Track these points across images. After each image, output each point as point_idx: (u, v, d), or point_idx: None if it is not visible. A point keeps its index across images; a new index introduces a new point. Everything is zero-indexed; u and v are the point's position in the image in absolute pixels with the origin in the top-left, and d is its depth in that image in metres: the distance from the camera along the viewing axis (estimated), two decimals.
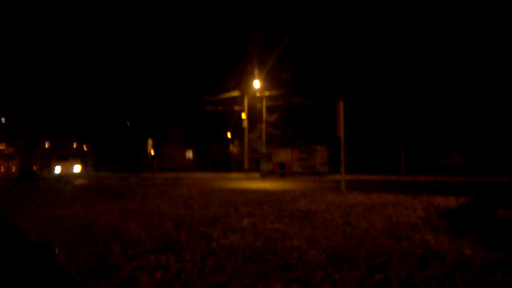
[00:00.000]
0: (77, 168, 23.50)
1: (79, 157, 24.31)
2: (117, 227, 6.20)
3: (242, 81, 32.00)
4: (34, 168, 23.18)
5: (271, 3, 33.15)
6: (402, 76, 27.20)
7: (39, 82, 25.14)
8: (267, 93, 31.42)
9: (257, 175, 26.25)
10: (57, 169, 22.82)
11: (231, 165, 34.29)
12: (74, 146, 24.33)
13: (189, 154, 43.27)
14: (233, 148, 35.05)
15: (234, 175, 28.66)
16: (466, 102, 25.35)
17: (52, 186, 16.34)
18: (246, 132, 30.65)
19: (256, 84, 30.29)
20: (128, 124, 35.22)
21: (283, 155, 25.09)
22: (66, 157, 23.27)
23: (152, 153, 19.04)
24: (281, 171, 24.73)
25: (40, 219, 6.96)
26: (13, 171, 23.62)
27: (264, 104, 31.59)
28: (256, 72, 31.28)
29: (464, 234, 5.15)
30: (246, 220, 6.77)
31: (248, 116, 31.00)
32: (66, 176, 21.73)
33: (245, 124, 30.60)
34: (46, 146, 24.85)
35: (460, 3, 26.78)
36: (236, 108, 32.93)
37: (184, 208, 8.32)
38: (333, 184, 17.07)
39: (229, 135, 37.88)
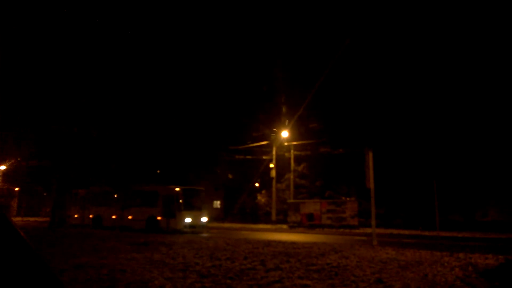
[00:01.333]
0: (204, 219, 19.26)
1: (204, 205, 20.05)
2: (143, 278, 6.16)
3: (270, 131, 32.41)
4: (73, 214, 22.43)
5: (300, 54, 34.40)
6: (434, 125, 26.77)
7: (73, 129, 24.98)
8: (295, 143, 31.55)
9: (285, 226, 25.72)
10: (187, 220, 18.03)
11: (259, 215, 33.81)
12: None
13: (217, 203, 43.18)
14: (261, 198, 34.73)
15: (262, 226, 28.19)
16: (503, 155, 24.39)
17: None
18: (274, 182, 30.46)
19: (284, 133, 30.55)
20: (158, 172, 36.00)
21: (312, 206, 24.61)
22: (194, 206, 18.83)
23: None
24: (310, 222, 24.14)
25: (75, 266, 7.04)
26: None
27: (292, 153, 31.58)
28: (284, 121, 31.71)
29: None
30: (273, 274, 6.57)
31: (276, 165, 30.95)
32: (196, 227, 18.51)
33: (273, 173, 30.48)
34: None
35: (487, 47, 26.71)
36: (264, 157, 33.07)
37: (210, 260, 8.20)
38: (363, 237, 16.45)
39: (257, 184, 37.77)
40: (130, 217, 19.68)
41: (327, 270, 7.00)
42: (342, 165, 30.05)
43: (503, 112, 25.16)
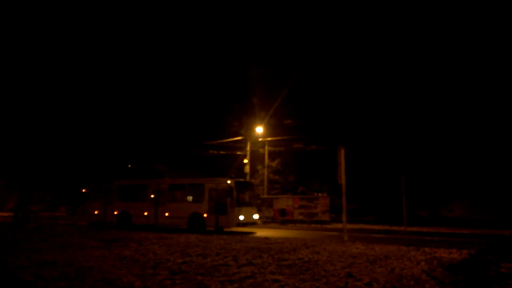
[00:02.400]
0: (256, 216, 17.32)
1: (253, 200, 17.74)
2: (111, 275, 6.01)
3: (245, 126, 32.37)
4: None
5: (275, 50, 34.51)
6: (404, 123, 27.56)
7: (39, 121, 23.59)
8: (269, 139, 31.64)
9: (258, 221, 25.83)
10: (241, 217, 15.95)
11: None
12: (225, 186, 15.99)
13: (190, 198, 42.83)
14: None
15: None
16: (468, 153, 25.40)
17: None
18: (248, 177, 30.47)
19: (259, 129, 30.57)
20: (130, 166, 35.26)
21: (285, 201, 24.81)
22: (246, 202, 16.72)
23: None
24: (282, 218, 24.34)
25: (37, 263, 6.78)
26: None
27: (266, 149, 31.67)
28: (259, 117, 31.76)
29: None
30: (245, 270, 6.57)
31: (250, 161, 30.93)
32: (248, 225, 16.77)
33: (247, 169, 30.46)
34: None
35: (458, 50, 27.69)
36: (239, 153, 33.00)
37: (181, 256, 8.11)
38: (335, 233, 16.75)
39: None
40: (167, 214, 17.38)
41: (299, 265, 7.07)
42: (315, 161, 30.50)
43: (468, 112, 26.16)
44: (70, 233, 13.70)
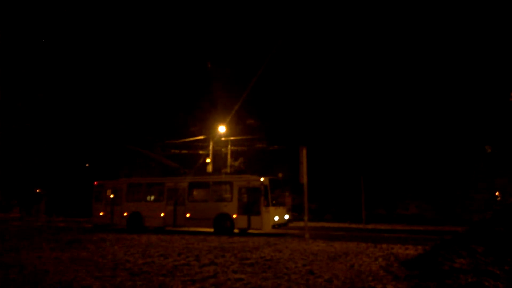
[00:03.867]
0: (287, 216, 15.82)
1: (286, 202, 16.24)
2: (68, 277, 5.77)
3: (207, 125, 32.19)
4: None
5: (238, 49, 34.57)
6: (363, 125, 28.53)
7: None
8: (232, 138, 31.63)
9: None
10: (276, 217, 14.58)
11: None
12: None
13: (150, 198, 41.82)
14: None
15: None
16: (423, 155, 26.69)
17: None
18: None
19: (222, 129, 30.49)
20: (87, 166, 33.90)
21: None
22: (279, 201, 15.42)
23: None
24: None
25: None
26: None
27: (229, 149, 31.64)
28: (221, 117, 31.69)
29: (423, 283, 5.23)
30: (208, 269, 6.53)
31: (213, 160, 30.75)
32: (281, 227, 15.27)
33: (210, 168, 30.27)
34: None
35: (420, 61, 29.01)
36: (201, 152, 32.73)
37: (142, 257, 7.92)
38: (296, 231, 17.03)
39: None
40: (188, 215, 15.86)
41: (261, 264, 7.12)
42: (278, 161, 30.89)
43: (424, 117, 27.48)
44: (25, 235, 12.99)
